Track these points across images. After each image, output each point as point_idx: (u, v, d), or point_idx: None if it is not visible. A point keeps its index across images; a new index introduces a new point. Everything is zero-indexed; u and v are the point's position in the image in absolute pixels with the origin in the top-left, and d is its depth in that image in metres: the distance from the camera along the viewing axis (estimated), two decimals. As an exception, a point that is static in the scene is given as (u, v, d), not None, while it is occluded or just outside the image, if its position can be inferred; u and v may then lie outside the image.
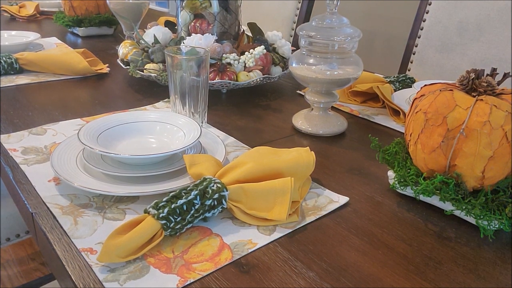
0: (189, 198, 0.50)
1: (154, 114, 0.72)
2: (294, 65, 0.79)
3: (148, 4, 1.35)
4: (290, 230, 0.53)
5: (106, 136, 0.66)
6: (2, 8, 1.86)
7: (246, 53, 0.98)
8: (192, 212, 0.50)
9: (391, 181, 0.61)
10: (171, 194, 0.51)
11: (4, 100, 0.91)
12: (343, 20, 0.76)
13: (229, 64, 0.96)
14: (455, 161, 0.53)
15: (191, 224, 0.51)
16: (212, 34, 1.00)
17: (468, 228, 0.54)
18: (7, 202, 1.02)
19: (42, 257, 1.09)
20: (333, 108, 0.90)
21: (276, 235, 0.52)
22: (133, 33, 1.23)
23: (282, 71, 1.04)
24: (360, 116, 0.91)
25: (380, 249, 0.50)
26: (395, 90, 0.99)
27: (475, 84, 0.55)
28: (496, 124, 0.51)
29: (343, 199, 0.59)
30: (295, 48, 1.01)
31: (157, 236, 0.48)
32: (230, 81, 0.93)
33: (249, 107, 0.94)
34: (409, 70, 1.30)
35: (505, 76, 0.56)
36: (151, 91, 0.87)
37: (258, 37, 1.09)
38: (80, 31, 1.53)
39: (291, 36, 1.63)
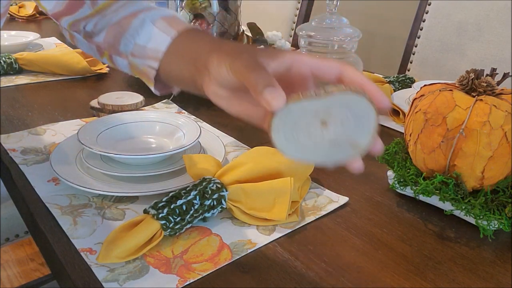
0: (189, 198, 0.50)
1: (153, 114, 0.72)
2: (293, 65, 0.79)
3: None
4: (290, 230, 0.53)
5: (106, 136, 0.66)
6: (1, 8, 1.86)
7: (246, 53, 0.98)
8: (191, 212, 0.50)
9: (390, 181, 0.61)
10: (170, 194, 0.51)
11: (3, 100, 0.91)
12: (343, 20, 0.76)
13: (229, 64, 0.96)
14: (455, 161, 0.53)
15: (190, 224, 0.51)
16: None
17: (468, 228, 0.54)
18: (7, 203, 1.02)
19: (42, 257, 1.09)
20: (332, 108, 0.89)
21: (276, 235, 0.52)
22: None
23: (282, 71, 1.04)
24: (359, 116, 0.90)
25: (380, 249, 0.50)
26: (394, 90, 0.99)
27: (474, 84, 0.55)
28: (496, 124, 0.51)
29: (342, 199, 0.59)
30: (294, 48, 1.01)
31: (156, 236, 0.48)
32: (229, 81, 0.93)
33: (249, 107, 0.94)
34: (408, 70, 1.30)
35: (505, 76, 0.56)
36: (150, 91, 0.87)
37: (257, 37, 1.09)
38: (79, 31, 1.53)
39: (291, 36, 1.63)
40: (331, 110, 0.36)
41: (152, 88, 0.55)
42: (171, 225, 0.48)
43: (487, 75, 0.55)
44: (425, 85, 0.60)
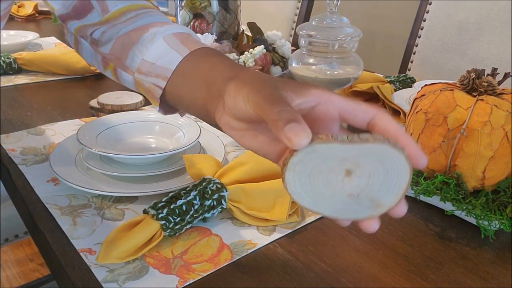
0: (189, 198, 0.50)
1: (153, 114, 0.72)
2: (294, 65, 0.79)
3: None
4: (290, 231, 0.53)
5: (105, 136, 0.65)
6: (1, 8, 1.85)
7: (246, 52, 0.98)
8: (191, 212, 0.50)
9: (391, 181, 0.61)
10: (170, 194, 0.51)
11: (2, 100, 0.91)
12: (343, 19, 0.76)
13: (229, 64, 0.96)
14: (456, 161, 0.53)
15: (190, 225, 0.51)
16: (211, 34, 1.00)
17: (469, 229, 0.54)
18: (6, 203, 1.02)
19: (41, 258, 1.09)
20: (333, 108, 0.89)
21: (276, 235, 0.52)
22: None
23: (282, 71, 1.04)
24: (360, 116, 0.90)
25: (381, 249, 0.50)
26: (395, 90, 0.99)
27: (475, 84, 0.55)
28: (497, 124, 0.50)
29: (343, 199, 0.59)
30: (295, 48, 1.00)
31: (156, 237, 0.48)
32: (229, 81, 0.93)
33: (249, 107, 0.93)
34: (409, 70, 1.30)
35: (506, 76, 0.55)
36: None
37: (257, 36, 1.09)
38: (79, 30, 1.53)
39: (291, 36, 1.63)
40: (361, 160, 0.31)
41: (157, 109, 0.50)
42: (170, 226, 0.48)
43: (488, 74, 0.55)
44: (425, 85, 0.59)
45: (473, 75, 0.55)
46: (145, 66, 0.48)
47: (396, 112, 0.89)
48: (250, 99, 0.35)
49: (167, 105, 0.50)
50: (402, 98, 0.93)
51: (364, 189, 0.33)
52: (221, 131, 0.39)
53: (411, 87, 1.01)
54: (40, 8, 1.86)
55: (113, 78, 0.55)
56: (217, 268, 0.46)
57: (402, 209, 0.34)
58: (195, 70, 0.45)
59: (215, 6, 1.05)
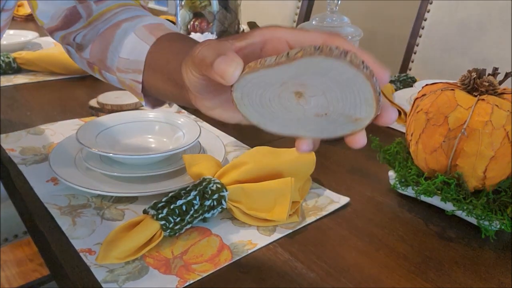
0: (188, 198, 0.50)
1: (153, 113, 0.72)
2: (294, 64, 0.78)
3: (147, 3, 1.34)
4: (290, 231, 0.52)
5: (105, 136, 0.65)
6: None
7: (246, 52, 0.98)
8: (191, 212, 0.50)
9: (392, 181, 0.61)
10: (170, 194, 0.51)
11: (2, 99, 0.91)
12: (344, 19, 0.76)
13: (229, 63, 0.96)
14: (457, 161, 0.53)
15: (190, 225, 0.51)
16: (211, 33, 1.00)
17: (470, 229, 0.54)
18: (5, 203, 1.02)
19: (41, 258, 1.09)
20: (333, 107, 0.89)
21: (276, 235, 0.51)
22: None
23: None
24: (360, 115, 0.90)
25: (381, 249, 0.50)
26: (396, 90, 0.99)
27: (476, 84, 0.54)
28: (498, 124, 0.50)
29: (343, 200, 0.59)
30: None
31: (156, 237, 0.48)
32: (229, 81, 0.93)
33: (249, 107, 0.93)
34: (410, 70, 1.30)
35: (507, 75, 0.55)
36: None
37: (257, 36, 1.09)
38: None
39: (291, 35, 1.63)
40: (304, 79, 0.28)
41: (143, 103, 0.50)
42: (170, 226, 0.48)
43: (489, 74, 0.55)
44: (426, 85, 0.59)
45: (474, 74, 0.55)
46: (122, 63, 0.49)
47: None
48: (192, 64, 0.33)
49: (153, 98, 0.50)
50: (403, 97, 0.92)
51: (327, 107, 0.30)
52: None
53: (412, 86, 1.01)
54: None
55: (102, 79, 0.56)
56: (217, 268, 0.46)
57: (389, 114, 0.31)
58: (161, 62, 0.44)
59: (215, 5, 1.05)
